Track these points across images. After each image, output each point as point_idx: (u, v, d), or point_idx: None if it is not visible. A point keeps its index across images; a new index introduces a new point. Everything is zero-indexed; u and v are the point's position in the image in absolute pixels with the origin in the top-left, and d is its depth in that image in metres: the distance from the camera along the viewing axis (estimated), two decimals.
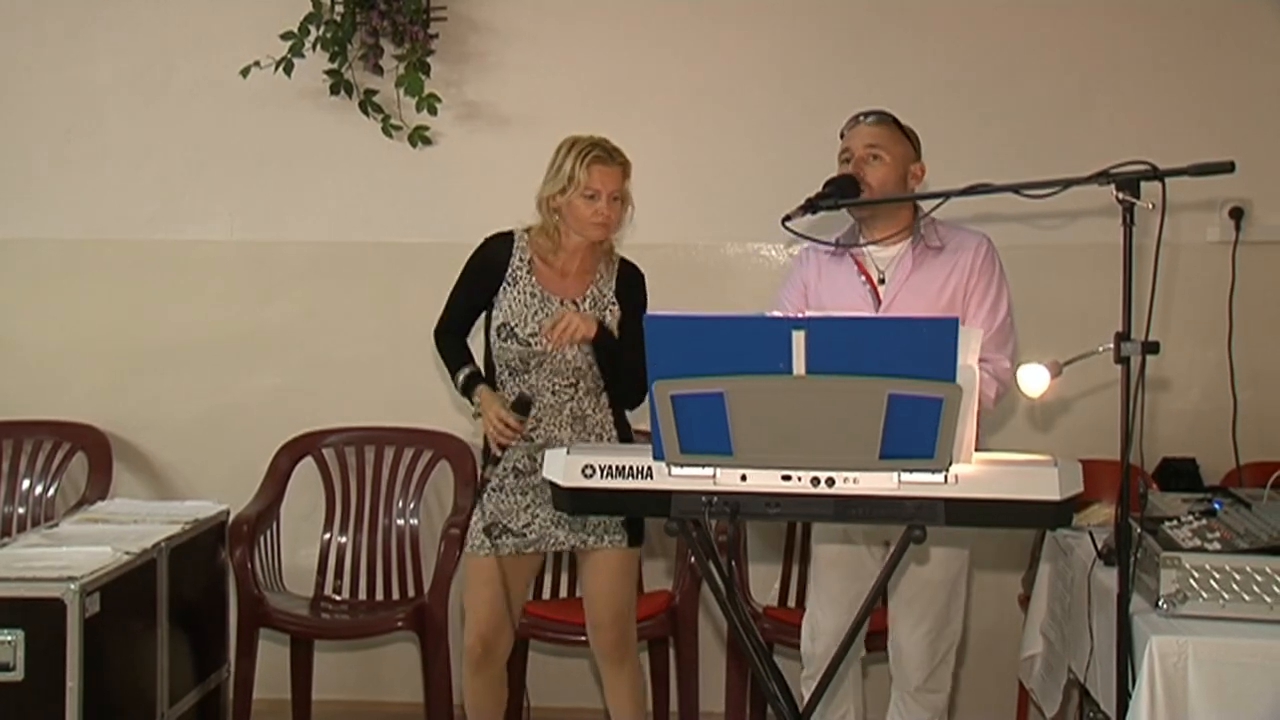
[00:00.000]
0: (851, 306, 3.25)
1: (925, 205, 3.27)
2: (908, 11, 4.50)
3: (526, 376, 3.46)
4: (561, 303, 3.45)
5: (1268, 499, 3.21)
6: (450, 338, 3.58)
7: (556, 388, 3.46)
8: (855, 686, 3.53)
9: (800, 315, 2.49)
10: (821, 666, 3.35)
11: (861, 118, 3.31)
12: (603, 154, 3.40)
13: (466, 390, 3.49)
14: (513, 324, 3.43)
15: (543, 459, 3.40)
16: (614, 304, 3.51)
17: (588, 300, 3.48)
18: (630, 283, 3.56)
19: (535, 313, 3.43)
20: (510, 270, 3.48)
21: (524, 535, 3.47)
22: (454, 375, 3.53)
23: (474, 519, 3.52)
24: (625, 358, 3.39)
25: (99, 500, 4.35)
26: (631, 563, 3.57)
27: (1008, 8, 4.49)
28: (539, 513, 3.47)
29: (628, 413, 3.58)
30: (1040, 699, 3.66)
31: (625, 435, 3.55)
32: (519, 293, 3.46)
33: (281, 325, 4.70)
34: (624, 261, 3.59)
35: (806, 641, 3.47)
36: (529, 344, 3.42)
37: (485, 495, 3.49)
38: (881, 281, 3.28)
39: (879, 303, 3.26)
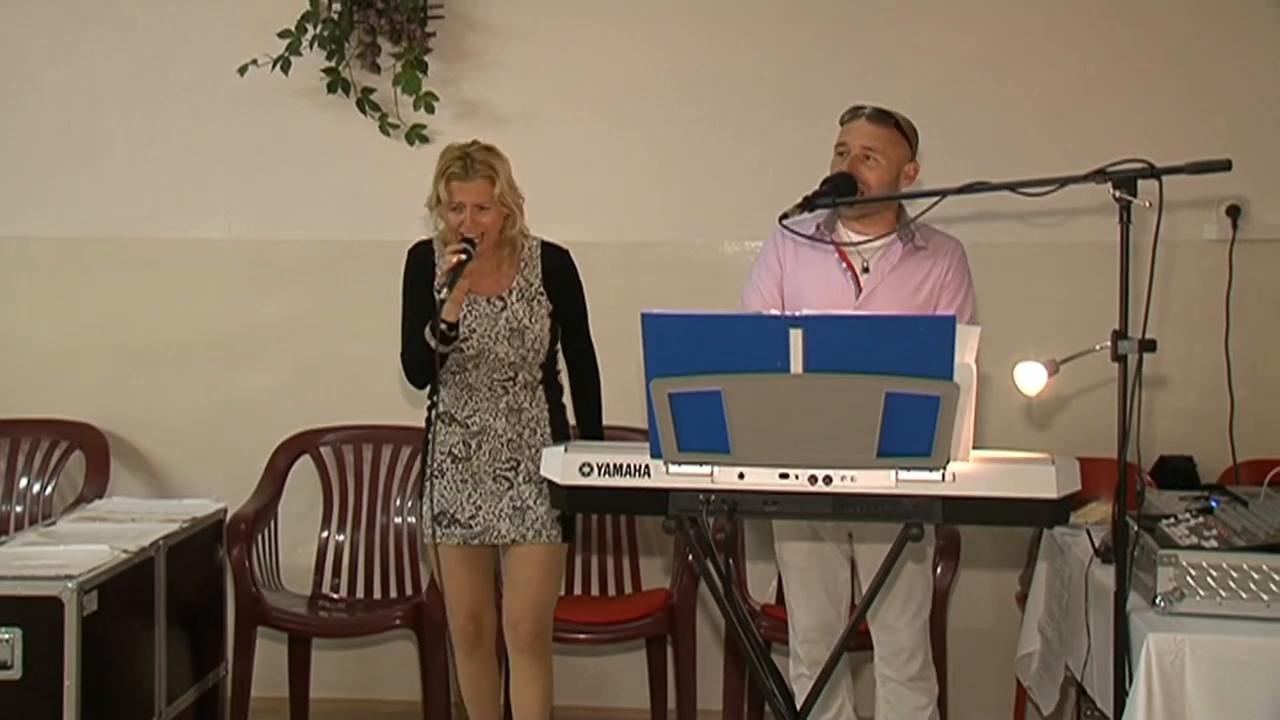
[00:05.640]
0: (829, 292, 3.29)
1: (914, 207, 3.28)
2: (904, 9, 4.50)
3: (465, 375, 3.50)
4: (489, 300, 3.48)
5: (1264, 497, 3.22)
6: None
7: (494, 382, 3.51)
8: (847, 683, 3.56)
9: (791, 314, 2.49)
10: (813, 664, 3.39)
11: (862, 112, 3.32)
12: (459, 170, 3.42)
13: (435, 328, 3.37)
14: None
15: (479, 445, 3.47)
16: (542, 293, 3.53)
17: (514, 293, 3.51)
18: (557, 269, 3.57)
19: (464, 315, 3.46)
20: (437, 280, 3.51)
21: (470, 527, 3.51)
22: (425, 340, 3.40)
23: (424, 507, 3.55)
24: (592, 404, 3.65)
25: (96, 498, 4.35)
26: (559, 558, 3.59)
27: (1004, 5, 4.48)
28: (481, 504, 3.50)
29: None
30: (1037, 696, 3.67)
31: (560, 429, 3.58)
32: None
33: (279, 323, 4.70)
34: (545, 246, 3.59)
35: (792, 641, 3.51)
36: (461, 350, 3.46)
37: (429, 483, 3.52)
38: (865, 271, 3.31)
39: (859, 291, 3.29)
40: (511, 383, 3.52)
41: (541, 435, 3.53)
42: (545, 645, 3.58)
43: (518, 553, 3.53)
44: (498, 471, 3.51)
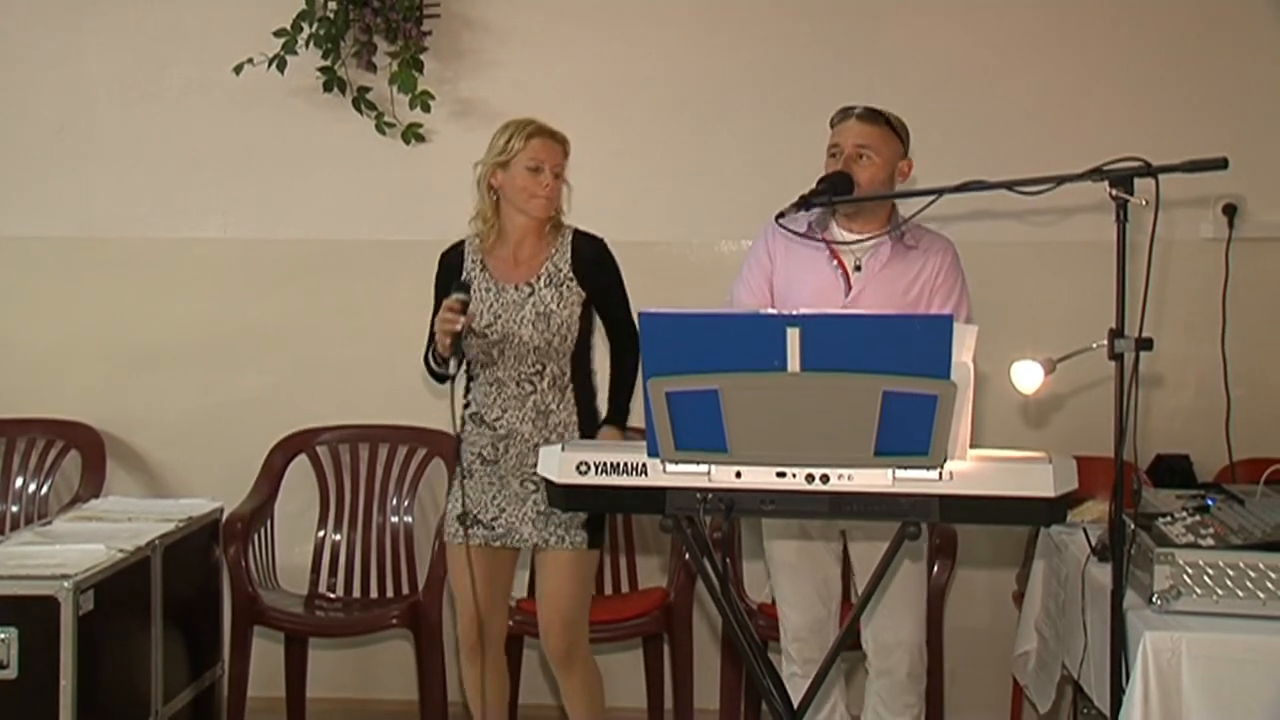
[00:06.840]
0: (820, 288, 3.31)
1: (911, 205, 3.29)
2: (903, 9, 4.50)
3: (494, 369, 3.48)
4: (516, 288, 3.47)
5: (1261, 495, 3.22)
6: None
7: (521, 378, 3.47)
8: (840, 684, 3.56)
9: (788, 312, 2.49)
10: (805, 663, 3.40)
11: (852, 112, 3.33)
12: (545, 130, 3.46)
13: (430, 356, 3.48)
14: (471, 323, 3.44)
15: (506, 449, 3.46)
16: (571, 279, 3.49)
17: (542, 279, 3.48)
18: (589, 256, 3.53)
19: (490, 305, 3.46)
20: (465, 274, 3.51)
21: (493, 528, 3.49)
22: (438, 368, 3.51)
23: (449, 506, 3.55)
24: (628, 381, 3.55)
25: (92, 498, 4.35)
26: (586, 565, 3.54)
27: (1003, 5, 4.48)
28: (506, 506, 3.48)
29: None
30: (1034, 695, 3.67)
31: (589, 435, 3.54)
32: (474, 291, 3.48)
33: (275, 323, 4.69)
34: (578, 234, 3.56)
35: (783, 640, 3.51)
36: (485, 335, 3.45)
37: (458, 482, 3.50)
38: (857, 269, 3.32)
39: (849, 288, 3.31)
40: (539, 377, 3.47)
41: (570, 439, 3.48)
42: (578, 657, 3.56)
43: (544, 560, 3.52)
44: (524, 476, 3.47)
